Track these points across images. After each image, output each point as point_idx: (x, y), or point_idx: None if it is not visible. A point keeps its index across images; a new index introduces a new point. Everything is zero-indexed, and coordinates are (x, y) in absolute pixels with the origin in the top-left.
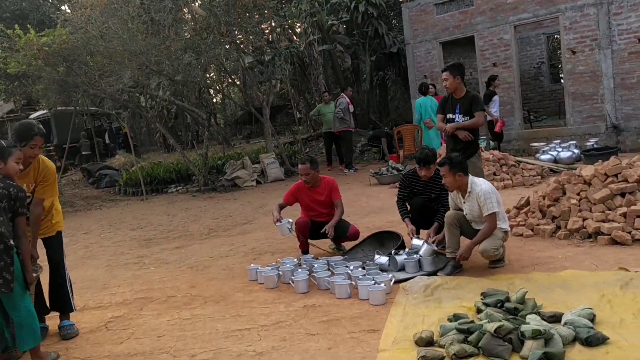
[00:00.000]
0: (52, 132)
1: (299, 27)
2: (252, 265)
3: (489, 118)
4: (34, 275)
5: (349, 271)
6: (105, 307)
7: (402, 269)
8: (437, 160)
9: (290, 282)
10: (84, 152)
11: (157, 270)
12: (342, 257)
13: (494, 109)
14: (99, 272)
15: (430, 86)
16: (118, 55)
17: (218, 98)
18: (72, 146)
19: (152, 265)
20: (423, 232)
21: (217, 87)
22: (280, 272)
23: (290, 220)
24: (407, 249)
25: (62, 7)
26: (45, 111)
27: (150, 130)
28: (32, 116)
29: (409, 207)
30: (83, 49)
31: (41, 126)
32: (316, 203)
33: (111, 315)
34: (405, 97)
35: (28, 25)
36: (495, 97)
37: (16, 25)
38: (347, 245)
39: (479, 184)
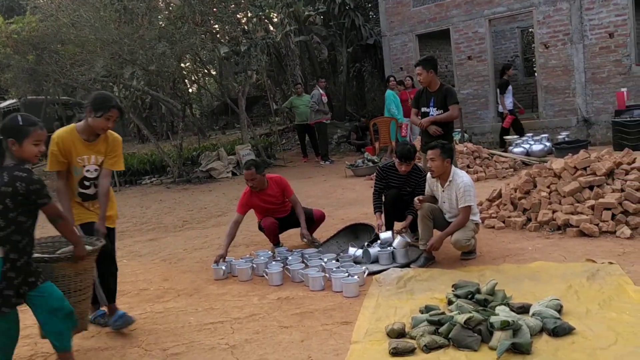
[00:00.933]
0: None
1: (276, 17)
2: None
3: (501, 109)
4: (90, 248)
5: (323, 263)
6: None
7: (376, 261)
8: (429, 145)
9: (264, 274)
10: None
11: (130, 263)
12: (316, 250)
13: (509, 99)
14: None
15: (408, 78)
16: (90, 44)
17: (193, 88)
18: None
19: (124, 258)
20: (397, 225)
21: (193, 78)
22: (254, 265)
23: (227, 263)
24: (382, 239)
25: None
26: (14, 100)
27: (124, 120)
28: (1, 105)
29: (383, 198)
30: (53, 37)
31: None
32: (270, 204)
33: None
34: (381, 89)
35: None
36: (510, 87)
37: None
38: (321, 237)
39: (461, 176)
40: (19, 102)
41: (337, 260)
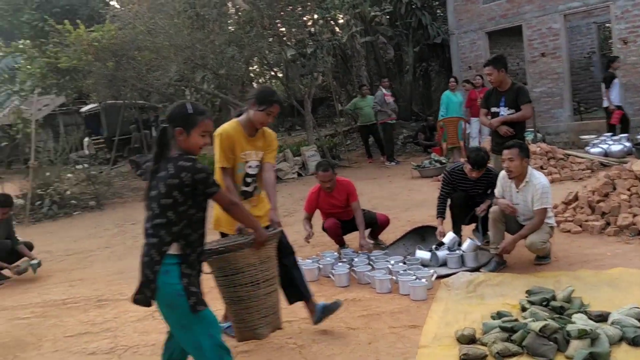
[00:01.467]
0: (102, 125)
1: (342, 18)
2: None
3: (605, 104)
4: (273, 230)
5: (390, 266)
6: None
7: (444, 264)
8: (506, 144)
9: (331, 275)
10: (133, 145)
11: None
12: (382, 252)
13: (614, 94)
14: None
15: (478, 77)
16: (164, 50)
17: None
18: (122, 138)
19: None
20: (464, 229)
21: (260, 80)
22: (321, 266)
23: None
24: (446, 244)
25: (111, 3)
26: (95, 104)
27: None
28: (83, 109)
29: (449, 201)
30: (131, 44)
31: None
32: (334, 207)
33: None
34: (447, 88)
35: (78, 21)
36: (616, 80)
37: (66, 21)
38: (387, 239)
39: (538, 177)
40: (99, 106)
41: (404, 263)
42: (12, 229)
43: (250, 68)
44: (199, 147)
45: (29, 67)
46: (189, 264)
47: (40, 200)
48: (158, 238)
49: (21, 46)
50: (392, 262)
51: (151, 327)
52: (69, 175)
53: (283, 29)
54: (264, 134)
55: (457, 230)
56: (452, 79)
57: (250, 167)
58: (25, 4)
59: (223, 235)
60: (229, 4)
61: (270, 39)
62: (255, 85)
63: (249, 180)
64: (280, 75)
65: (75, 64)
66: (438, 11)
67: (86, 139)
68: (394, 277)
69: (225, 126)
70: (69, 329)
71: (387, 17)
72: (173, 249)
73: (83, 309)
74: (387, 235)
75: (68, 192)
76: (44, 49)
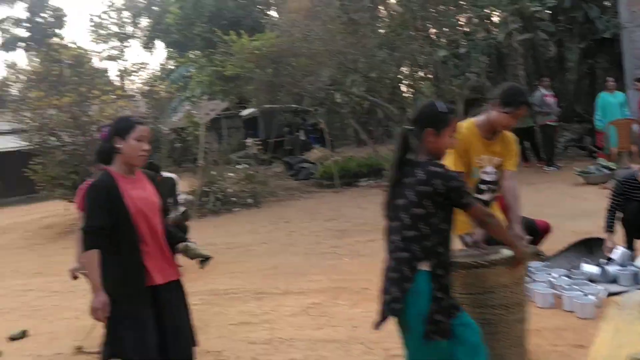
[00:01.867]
0: (259, 128)
1: (497, 16)
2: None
3: None
4: (527, 250)
5: (552, 279)
6: (305, 293)
7: (614, 281)
8: None
9: None
10: (286, 147)
11: (351, 262)
12: (542, 263)
13: None
14: (299, 259)
15: None
16: (319, 55)
17: (409, 93)
18: (276, 140)
19: (345, 256)
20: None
21: (409, 82)
22: None
23: None
24: (616, 260)
25: (270, 12)
26: (254, 109)
27: (344, 125)
28: (242, 113)
29: (622, 214)
30: (288, 51)
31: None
32: None
33: (310, 302)
34: (619, 87)
35: (241, 31)
36: None
37: (231, 32)
38: (548, 250)
39: None
40: (257, 111)
41: (568, 277)
42: (175, 192)
43: (402, 70)
44: (446, 150)
45: (199, 75)
46: (441, 287)
47: (206, 196)
48: (410, 253)
49: (193, 57)
50: (555, 275)
51: (305, 322)
52: (231, 174)
53: (434, 30)
54: (503, 138)
55: (629, 246)
56: (609, 79)
57: (485, 173)
58: (198, 19)
59: None
60: (381, 7)
61: (422, 40)
62: (402, 86)
63: (483, 187)
64: (430, 76)
65: (239, 71)
66: (607, 3)
67: (250, 140)
68: (556, 291)
69: (459, 126)
70: (231, 318)
71: (550, 12)
72: (425, 266)
73: (243, 300)
74: (548, 246)
75: (229, 190)
76: (212, 59)
